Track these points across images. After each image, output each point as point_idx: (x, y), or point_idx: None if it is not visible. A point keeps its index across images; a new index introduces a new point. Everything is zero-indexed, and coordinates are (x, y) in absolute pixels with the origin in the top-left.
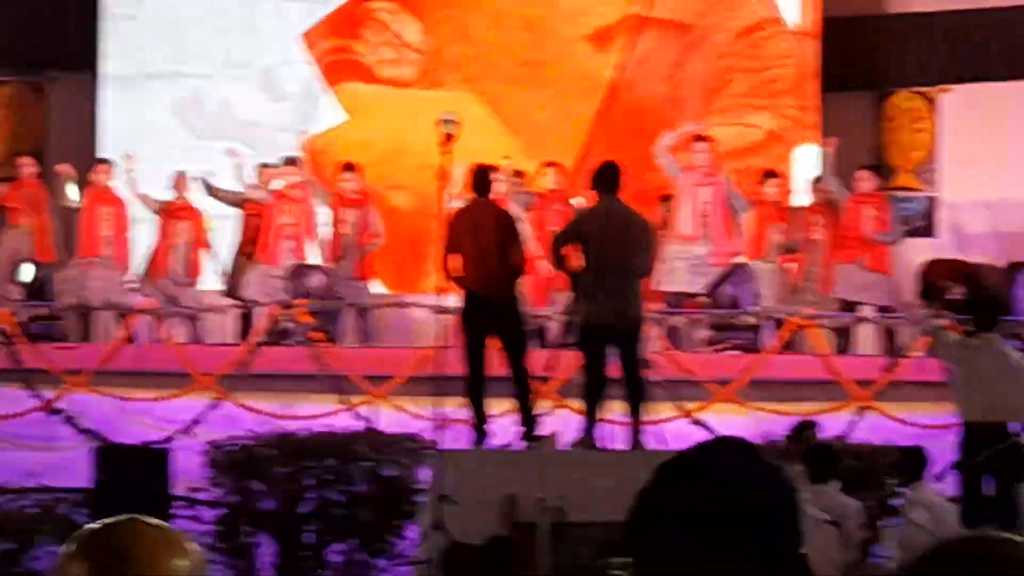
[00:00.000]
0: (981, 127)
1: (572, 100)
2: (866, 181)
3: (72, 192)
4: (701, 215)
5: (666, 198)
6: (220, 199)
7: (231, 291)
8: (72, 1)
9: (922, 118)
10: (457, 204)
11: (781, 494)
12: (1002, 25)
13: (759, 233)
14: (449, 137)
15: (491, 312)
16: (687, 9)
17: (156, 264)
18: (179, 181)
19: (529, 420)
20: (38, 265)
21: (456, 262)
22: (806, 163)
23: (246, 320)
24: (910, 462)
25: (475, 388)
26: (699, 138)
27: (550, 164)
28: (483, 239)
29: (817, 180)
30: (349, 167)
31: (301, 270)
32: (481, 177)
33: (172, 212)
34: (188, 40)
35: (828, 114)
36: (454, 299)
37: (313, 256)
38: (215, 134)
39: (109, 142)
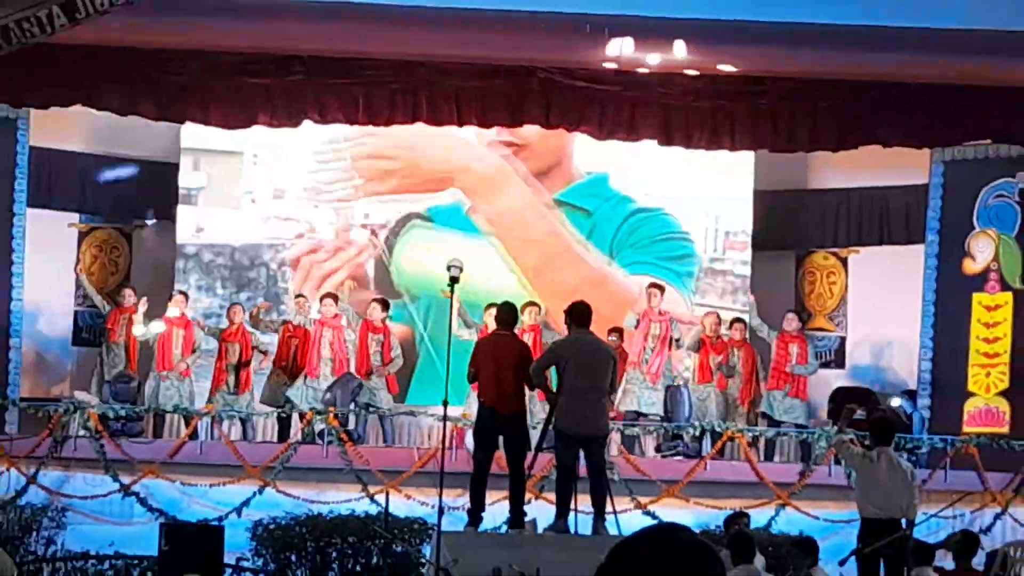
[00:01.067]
0: (882, 281)
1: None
2: (791, 322)
3: (152, 328)
4: (642, 348)
5: (615, 330)
6: (262, 328)
7: (270, 399)
8: (155, 164)
9: (835, 273)
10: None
11: (712, 571)
12: (900, 199)
13: (702, 362)
14: (455, 280)
15: (502, 424)
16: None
17: (216, 378)
18: (233, 311)
19: (517, 510)
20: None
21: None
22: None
23: (285, 423)
24: (805, 550)
25: (478, 483)
26: (655, 286)
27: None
28: (503, 366)
29: (738, 321)
30: (383, 302)
31: (343, 379)
32: (508, 313)
33: (228, 336)
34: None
35: (760, 267)
36: (457, 410)
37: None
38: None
39: (183, 278)
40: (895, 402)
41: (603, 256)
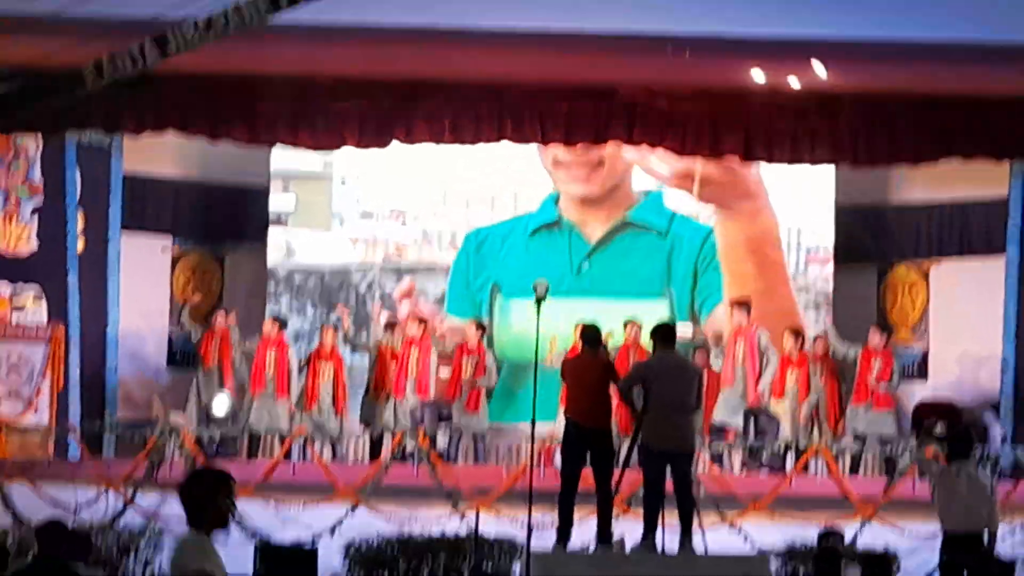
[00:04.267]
0: (963, 293)
1: None
2: (876, 337)
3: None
4: (733, 365)
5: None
6: (355, 348)
7: (365, 419)
8: (245, 191)
9: (916, 286)
10: None
11: None
12: (980, 212)
13: (781, 378)
14: (540, 300)
15: (589, 440)
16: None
17: (308, 399)
18: (324, 332)
19: (605, 527)
20: (231, 399)
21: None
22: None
23: (378, 442)
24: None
25: (567, 500)
26: (738, 303)
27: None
28: (589, 383)
29: (819, 336)
30: (478, 323)
31: (427, 404)
32: (592, 331)
33: (321, 356)
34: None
35: (842, 281)
36: (545, 427)
37: (432, 392)
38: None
39: (274, 300)
40: (991, 423)
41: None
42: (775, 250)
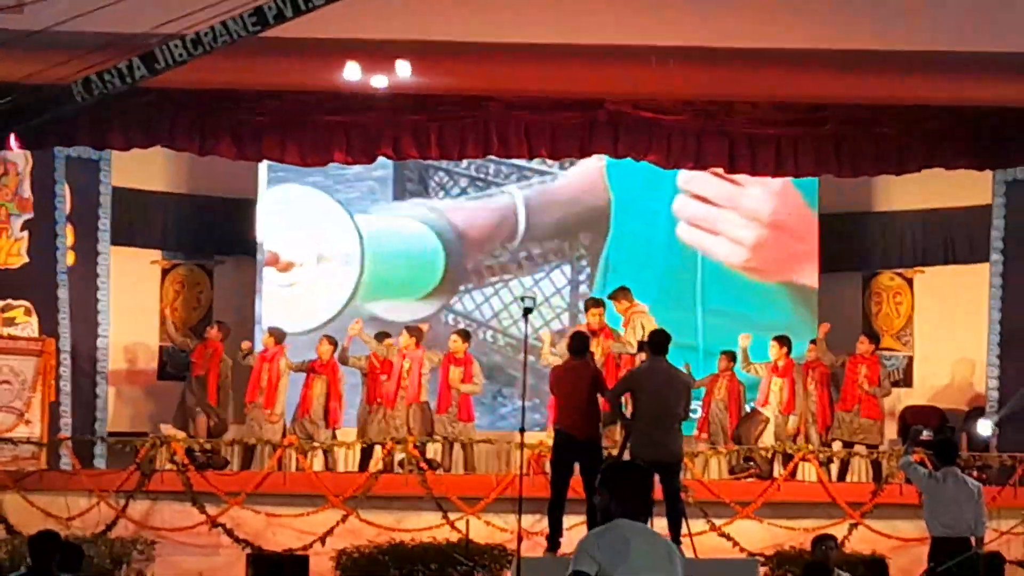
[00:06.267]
0: (947, 300)
1: None
2: (863, 344)
3: (250, 360)
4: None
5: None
6: (350, 364)
7: (361, 430)
8: (234, 200)
9: (901, 293)
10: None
11: None
12: (963, 220)
13: (767, 385)
14: (528, 311)
15: (578, 450)
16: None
17: (301, 408)
18: (320, 343)
19: None
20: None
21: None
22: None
23: (368, 452)
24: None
25: (556, 508)
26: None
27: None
28: (577, 393)
29: (812, 344)
30: (463, 333)
31: (417, 413)
32: (579, 341)
33: (314, 368)
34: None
35: (826, 289)
36: (534, 437)
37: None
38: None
39: (264, 312)
40: (983, 429)
41: None
42: None
